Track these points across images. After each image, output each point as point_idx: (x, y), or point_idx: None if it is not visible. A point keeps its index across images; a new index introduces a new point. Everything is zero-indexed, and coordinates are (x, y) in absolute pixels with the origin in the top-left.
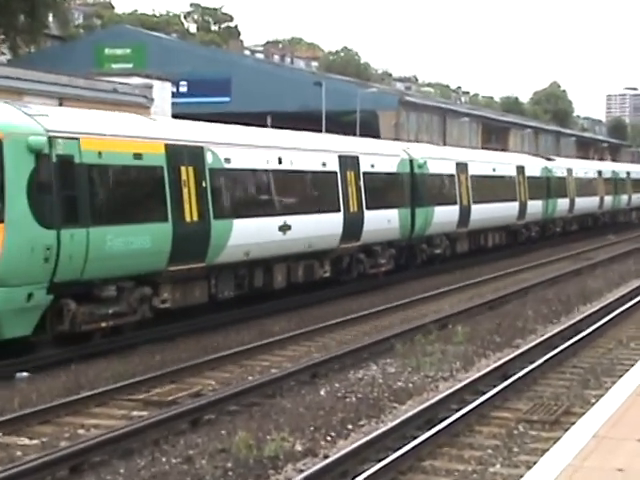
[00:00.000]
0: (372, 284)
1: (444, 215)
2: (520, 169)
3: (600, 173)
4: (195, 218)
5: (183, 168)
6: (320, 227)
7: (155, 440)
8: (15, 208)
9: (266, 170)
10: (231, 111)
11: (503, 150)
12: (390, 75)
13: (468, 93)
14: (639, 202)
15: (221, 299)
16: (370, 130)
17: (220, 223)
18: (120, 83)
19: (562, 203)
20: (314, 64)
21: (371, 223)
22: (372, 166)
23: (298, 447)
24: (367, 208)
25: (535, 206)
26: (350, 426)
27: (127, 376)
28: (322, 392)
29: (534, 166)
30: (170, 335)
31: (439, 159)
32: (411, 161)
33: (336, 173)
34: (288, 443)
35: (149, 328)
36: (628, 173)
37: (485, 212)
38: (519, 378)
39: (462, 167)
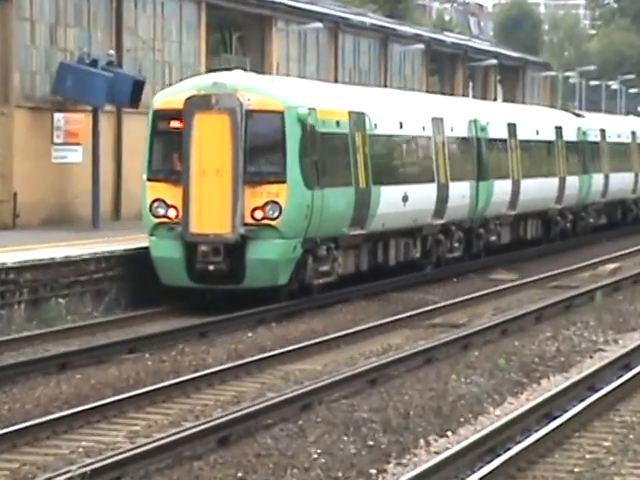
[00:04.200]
0: None
1: (501, 192)
2: (558, 131)
3: (634, 136)
4: (363, 184)
5: (357, 134)
6: (423, 199)
7: None
8: (292, 170)
9: (392, 135)
10: None
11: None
12: None
13: None
14: None
15: (361, 272)
16: None
17: (376, 189)
18: None
19: (597, 181)
20: None
21: (453, 197)
22: (452, 129)
23: None
24: (451, 179)
25: (573, 184)
26: None
27: None
28: None
29: (570, 127)
30: None
31: (496, 119)
32: (475, 123)
33: (430, 138)
34: None
35: None
36: None
37: (533, 190)
38: None
39: (512, 129)
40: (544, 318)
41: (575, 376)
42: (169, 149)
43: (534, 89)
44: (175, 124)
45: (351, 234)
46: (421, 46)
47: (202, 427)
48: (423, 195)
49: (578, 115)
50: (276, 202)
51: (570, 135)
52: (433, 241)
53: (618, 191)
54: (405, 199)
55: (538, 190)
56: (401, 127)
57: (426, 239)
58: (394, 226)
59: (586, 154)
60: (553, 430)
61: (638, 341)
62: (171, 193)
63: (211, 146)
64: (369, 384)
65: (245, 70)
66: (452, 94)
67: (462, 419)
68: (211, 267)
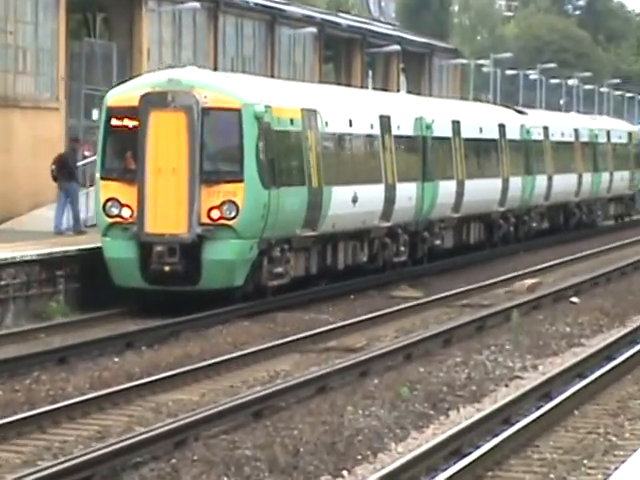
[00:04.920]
0: None
1: (446, 193)
2: (502, 129)
3: (577, 134)
4: (316, 184)
5: (309, 132)
6: (371, 200)
7: None
8: (249, 169)
9: (342, 134)
10: None
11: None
12: None
13: None
14: (621, 186)
15: (310, 275)
16: None
17: (327, 189)
18: None
19: (540, 183)
20: None
21: (401, 199)
22: (398, 128)
23: None
24: (398, 180)
25: (516, 186)
26: None
27: None
28: None
29: (513, 125)
30: None
31: (440, 117)
32: (421, 120)
33: (378, 137)
34: None
35: None
36: (608, 133)
37: (477, 191)
38: None
39: (456, 127)
40: (453, 341)
41: (488, 407)
42: (123, 147)
43: (442, 79)
44: (129, 122)
45: (303, 235)
46: (313, 29)
47: (61, 467)
48: (372, 196)
49: (521, 112)
50: (233, 202)
51: (513, 133)
52: (380, 244)
53: (561, 193)
54: (355, 200)
55: (482, 191)
56: (350, 125)
57: (373, 242)
58: (344, 228)
59: (530, 154)
60: (463, 469)
61: (560, 367)
62: (125, 192)
63: (167, 144)
64: (253, 417)
65: (110, 56)
66: (349, 84)
67: (359, 456)
68: (167, 268)
